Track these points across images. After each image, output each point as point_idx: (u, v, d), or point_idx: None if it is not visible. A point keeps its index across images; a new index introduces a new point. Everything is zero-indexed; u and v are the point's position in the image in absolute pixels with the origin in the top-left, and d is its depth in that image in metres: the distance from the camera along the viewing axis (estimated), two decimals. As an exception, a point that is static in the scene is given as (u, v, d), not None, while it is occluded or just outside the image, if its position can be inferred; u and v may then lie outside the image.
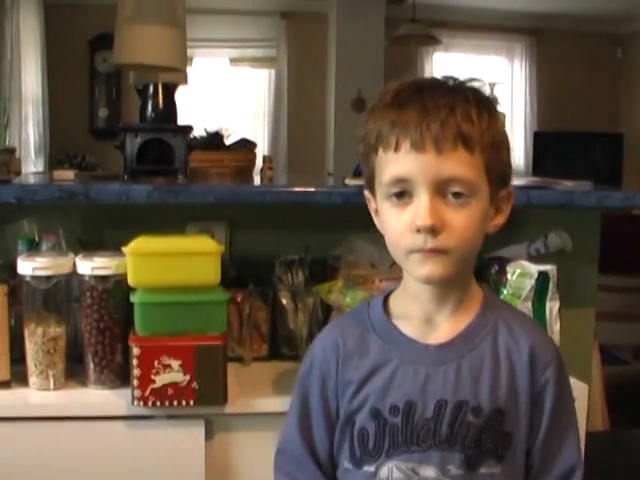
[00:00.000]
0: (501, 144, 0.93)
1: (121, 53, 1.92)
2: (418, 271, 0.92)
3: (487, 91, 0.95)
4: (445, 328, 0.97)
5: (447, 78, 0.94)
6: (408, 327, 0.98)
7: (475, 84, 0.95)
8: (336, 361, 1.00)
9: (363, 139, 0.95)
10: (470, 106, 0.89)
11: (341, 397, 1.00)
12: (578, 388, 1.47)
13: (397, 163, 0.89)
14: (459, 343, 0.96)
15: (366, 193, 1.00)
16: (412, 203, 0.89)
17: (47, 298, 1.40)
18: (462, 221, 0.89)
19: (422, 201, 0.88)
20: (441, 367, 0.95)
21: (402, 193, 0.90)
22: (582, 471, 0.98)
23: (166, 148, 1.73)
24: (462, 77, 0.95)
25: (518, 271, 1.51)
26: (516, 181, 1.67)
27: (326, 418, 1.01)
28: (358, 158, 0.98)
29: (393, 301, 1.02)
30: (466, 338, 0.96)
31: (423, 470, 0.93)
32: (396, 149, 0.88)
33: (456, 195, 0.89)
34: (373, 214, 1.00)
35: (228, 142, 2.61)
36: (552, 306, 1.53)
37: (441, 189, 0.88)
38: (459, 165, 0.87)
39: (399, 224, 0.91)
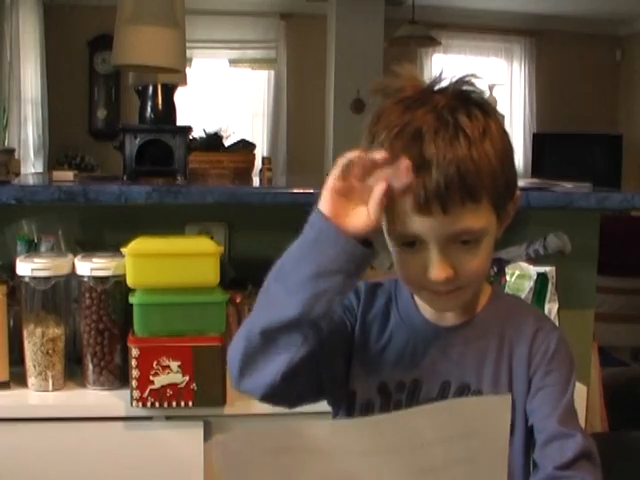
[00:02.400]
0: (506, 163, 0.90)
1: (120, 54, 1.91)
2: (432, 305, 0.96)
3: (482, 89, 0.92)
4: (456, 315, 0.99)
5: (443, 105, 0.88)
6: (426, 310, 1.00)
7: (472, 85, 0.92)
8: (361, 316, 1.01)
9: None
10: (472, 147, 0.86)
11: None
12: (577, 390, 1.47)
13: (402, 222, 0.88)
14: (467, 329, 0.98)
15: None
16: (422, 250, 0.89)
17: (46, 299, 1.40)
18: (474, 262, 0.90)
19: (432, 256, 0.88)
20: (448, 349, 0.97)
21: (411, 243, 0.89)
22: (566, 442, 0.92)
23: (165, 149, 1.73)
24: (455, 85, 0.91)
25: (517, 272, 1.52)
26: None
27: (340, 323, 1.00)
28: None
29: None
30: (474, 326, 0.98)
31: None
32: (400, 208, 0.87)
33: (465, 241, 0.89)
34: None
35: (227, 143, 2.61)
36: (551, 307, 1.53)
37: (450, 239, 0.88)
38: (467, 219, 0.87)
39: (411, 269, 0.91)
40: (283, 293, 0.87)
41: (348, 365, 1.00)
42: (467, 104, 0.89)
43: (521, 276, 1.52)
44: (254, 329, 0.88)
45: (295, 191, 1.60)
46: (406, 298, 1.01)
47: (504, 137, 0.92)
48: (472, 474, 0.80)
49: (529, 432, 0.95)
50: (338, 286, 0.85)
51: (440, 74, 0.92)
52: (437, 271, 0.88)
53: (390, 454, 0.79)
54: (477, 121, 0.88)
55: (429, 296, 0.93)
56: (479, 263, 0.90)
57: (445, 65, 6.45)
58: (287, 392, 0.92)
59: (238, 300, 1.55)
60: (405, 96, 0.90)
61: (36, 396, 1.39)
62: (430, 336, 0.98)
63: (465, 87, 0.91)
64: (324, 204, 0.85)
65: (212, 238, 1.43)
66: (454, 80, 0.91)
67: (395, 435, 0.79)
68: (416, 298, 1.01)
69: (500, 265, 1.52)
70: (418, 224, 0.87)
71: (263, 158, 2.64)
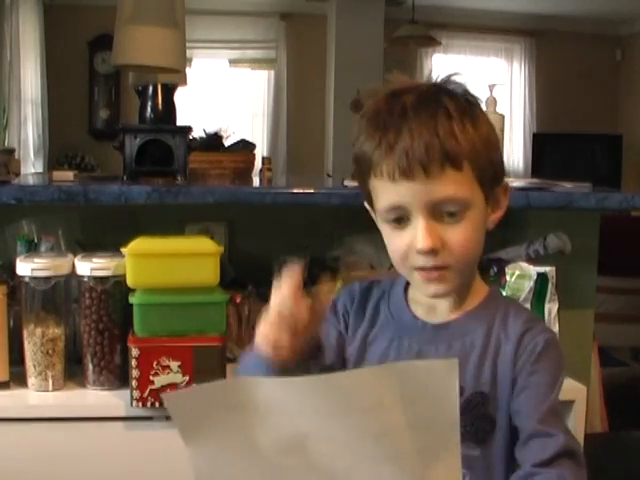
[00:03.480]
0: (489, 147, 0.94)
1: (120, 54, 1.91)
2: (424, 290, 0.97)
3: (468, 88, 0.95)
4: (446, 314, 1.00)
5: (427, 89, 0.94)
6: (417, 308, 1.02)
7: (456, 82, 0.95)
8: (353, 316, 1.05)
9: (356, 160, 0.96)
10: (452, 121, 0.90)
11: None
12: (577, 390, 1.47)
13: (389, 191, 0.91)
14: (454, 326, 0.99)
15: (366, 205, 1.02)
16: (410, 225, 0.92)
17: (46, 299, 1.40)
18: (460, 236, 0.91)
19: (419, 225, 0.91)
20: (433, 346, 0.98)
21: (400, 218, 0.92)
22: (548, 441, 0.92)
23: (165, 149, 1.73)
24: (442, 77, 0.96)
25: (517, 273, 1.52)
26: (515, 182, 1.67)
27: (335, 333, 1.03)
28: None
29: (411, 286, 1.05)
30: (461, 324, 0.99)
31: None
32: (386, 177, 0.91)
33: (451, 213, 0.91)
34: (376, 222, 1.01)
35: (227, 143, 2.61)
36: (551, 308, 1.53)
37: (436, 210, 0.90)
38: (449, 186, 0.89)
39: (400, 245, 0.93)
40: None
41: (342, 359, 1.02)
42: (449, 92, 0.94)
43: (521, 276, 1.52)
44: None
45: (295, 191, 1.59)
46: (398, 295, 1.03)
47: (488, 127, 0.95)
48: (425, 438, 0.80)
49: (513, 431, 0.96)
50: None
51: (428, 76, 0.98)
52: (423, 240, 0.90)
53: (343, 415, 0.79)
54: (459, 102, 0.93)
55: (420, 279, 0.94)
56: (465, 237, 0.92)
57: (445, 65, 6.48)
58: None
59: (238, 300, 1.55)
60: (392, 87, 0.95)
61: (36, 396, 1.39)
62: (417, 332, 1.00)
63: (447, 85, 0.96)
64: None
65: (212, 238, 1.43)
66: (437, 79, 0.97)
67: (347, 396, 0.79)
68: (408, 294, 1.03)
69: (500, 265, 1.52)
70: (402, 191, 0.90)
71: (263, 158, 2.64)
